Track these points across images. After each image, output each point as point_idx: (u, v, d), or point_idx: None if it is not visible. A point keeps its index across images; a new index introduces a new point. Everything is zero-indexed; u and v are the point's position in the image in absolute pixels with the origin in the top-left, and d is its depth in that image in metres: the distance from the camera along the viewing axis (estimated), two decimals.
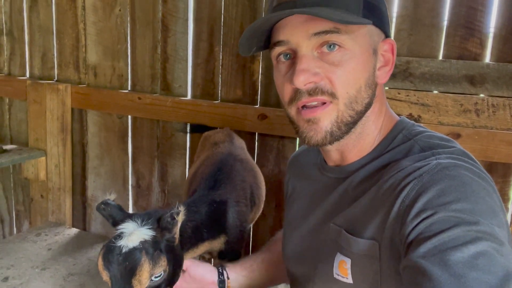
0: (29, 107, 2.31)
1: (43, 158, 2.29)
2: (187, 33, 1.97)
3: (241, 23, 1.85)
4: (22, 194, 2.54)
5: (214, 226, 1.09)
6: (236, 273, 1.03)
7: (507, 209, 1.53)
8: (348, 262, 0.75)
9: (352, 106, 0.74)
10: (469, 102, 1.51)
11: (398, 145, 0.78)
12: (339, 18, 0.67)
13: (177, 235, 0.84)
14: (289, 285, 1.02)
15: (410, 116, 1.57)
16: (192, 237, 0.99)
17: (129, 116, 2.16)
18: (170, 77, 2.04)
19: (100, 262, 0.77)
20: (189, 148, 2.05)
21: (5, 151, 2.17)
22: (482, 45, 1.49)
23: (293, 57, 0.76)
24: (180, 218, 0.80)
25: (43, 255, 1.77)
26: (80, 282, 1.58)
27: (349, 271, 0.74)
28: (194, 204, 1.07)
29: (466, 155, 0.72)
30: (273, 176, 1.87)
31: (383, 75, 0.79)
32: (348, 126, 0.75)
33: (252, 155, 1.86)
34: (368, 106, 0.77)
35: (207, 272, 0.99)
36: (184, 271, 0.95)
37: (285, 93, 0.77)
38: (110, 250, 0.76)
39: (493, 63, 1.48)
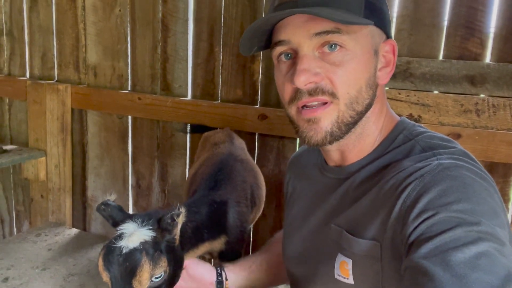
0: (29, 107, 2.31)
1: (43, 158, 2.28)
2: (187, 33, 1.97)
3: (241, 23, 1.85)
4: (22, 194, 2.54)
5: (215, 226, 1.09)
6: (235, 274, 1.03)
7: (507, 209, 1.53)
8: (349, 262, 0.74)
9: (352, 107, 0.74)
10: (470, 102, 1.51)
11: (399, 145, 0.78)
12: (340, 18, 0.67)
13: (177, 236, 0.84)
14: (289, 286, 1.02)
15: (410, 116, 1.57)
16: (193, 237, 0.99)
17: (129, 116, 2.16)
18: (170, 77, 2.03)
19: (101, 263, 0.77)
20: (189, 148, 2.04)
21: (5, 151, 2.17)
22: (482, 45, 1.49)
23: (294, 57, 0.76)
24: (181, 220, 0.80)
25: (43, 255, 1.77)
26: (80, 282, 1.57)
27: (350, 272, 0.74)
28: (194, 204, 1.07)
29: (467, 155, 0.72)
30: (274, 176, 1.87)
31: (384, 76, 0.78)
32: (348, 126, 0.75)
33: (252, 155, 1.86)
34: (368, 106, 0.77)
35: (206, 272, 0.99)
36: (183, 268, 0.95)
37: (286, 92, 0.77)
38: (110, 251, 0.76)
39: (494, 63, 1.48)
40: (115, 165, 2.24)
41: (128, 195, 2.24)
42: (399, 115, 0.86)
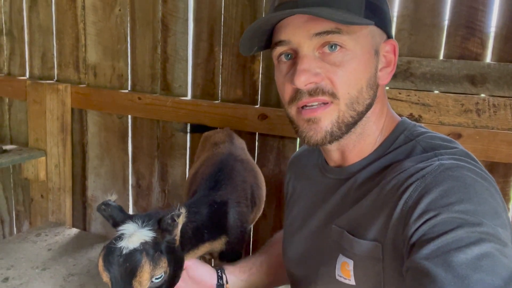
0: (29, 107, 2.30)
1: (43, 158, 2.28)
2: (187, 33, 1.96)
3: (241, 23, 1.84)
4: (22, 194, 2.53)
5: (215, 227, 1.09)
6: (235, 276, 1.02)
7: (508, 209, 1.53)
8: (350, 263, 0.74)
9: (353, 107, 0.74)
10: (470, 102, 1.50)
11: (400, 146, 0.78)
12: (340, 19, 0.67)
13: (177, 237, 0.84)
14: (289, 287, 1.02)
15: (411, 116, 1.57)
16: (193, 238, 0.98)
17: (129, 116, 2.15)
18: (170, 77, 2.03)
19: (101, 263, 0.77)
20: (189, 148, 2.04)
21: (5, 151, 2.17)
22: (483, 45, 1.49)
23: (294, 57, 0.75)
24: (181, 220, 0.80)
25: (43, 255, 1.77)
26: (80, 282, 1.57)
27: (352, 273, 0.74)
28: (194, 205, 1.07)
29: (468, 155, 0.71)
30: (274, 176, 1.87)
31: (384, 76, 0.78)
32: (348, 126, 0.75)
33: (253, 155, 1.85)
34: (369, 106, 0.77)
35: (206, 275, 0.98)
36: (184, 269, 0.94)
37: (286, 93, 0.77)
38: (110, 251, 0.76)
39: (494, 63, 1.48)
40: (115, 165, 2.24)
41: (128, 195, 2.24)
42: (400, 115, 0.86)
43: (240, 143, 1.55)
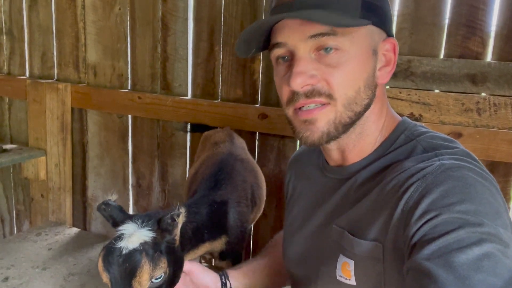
0: (29, 106, 2.30)
1: (43, 157, 2.28)
2: (187, 32, 1.96)
3: (242, 22, 1.84)
4: (23, 193, 2.53)
5: (215, 226, 1.09)
6: (238, 282, 1.01)
7: (509, 208, 1.53)
8: (351, 264, 0.74)
9: (351, 107, 0.74)
10: (471, 101, 1.50)
11: (401, 145, 0.78)
12: (331, 21, 0.67)
13: (177, 237, 0.83)
14: (290, 287, 1.02)
15: (411, 115, 1.57)
16: (193, 238, 0.98)
17: (129, 116, 2.15)
18: (170, 77, 2.03)
19: (100, 264, 0.77)
20: (190, 147, 2.04)
21: (5, 150, 2.17)
22: (483, 44, 1.49)
23: (291, 59, 0.75)
24: (181, 220, 0.80)
25: (43, 255, 1.77)
26: (81, 282, 1.57)
27: (352, 273, 0.74)
28: (194, 205, 1.07)
29: (469, 155, 0.71)
30: (274, 175, 1.87)
31: (384, 75, 0.78)
32: (345, 126, 0.75)
33: (253, 154, 1.85)
34: (367, 106, 0.76)
35: (210, 281, 0.97)
36: (185, 272, 0.94)
37: (283, 94, 0.77)
38: (110, 252, 0.76)
39: (495, 62, 1.48)
40: (115, 164, 2.24)
41: (128, 194, 2.24)
42: (400, 115, 0.86)
43: (240, 143, 1.54)
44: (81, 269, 1.66)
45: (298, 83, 0.71)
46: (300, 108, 0.75)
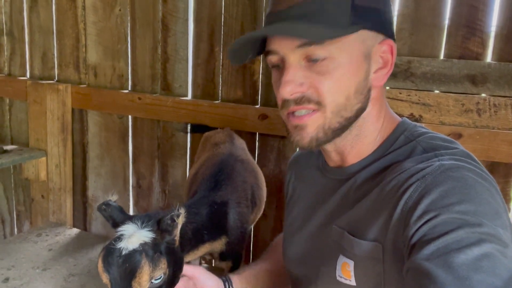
0: (30, 107, 2.30)
1: (44, 158, 2.28)
2: (187, 33, 1.96)
3: (242, 23, 1.84)
4: (23, 194, 2.54)
5: (215, 227, 1.09)
6: (241, 287, 1.01)
7: (509, 209, 1.53)
8: (351, 264, 0.74)
9: (340, 114, 0.74)
10: (471, 102, 1.50)
11: (400, 146, 0.78)
12: (312, 36, 0.68)
13: (177, 237, 0.83)
14: None
15: (411, 116, 1.57)
16: (193, 239, 0.98)
17: (130, 116, 2.15)
18: (170, 77, 2.03)
19: (100, 264, 0.77)
20: (190, 148, 2.04)
21: (6, 151, 2.17)
22: (483, 44, 1.49)
23: (283, 65, 0.76)
24: (181, 221, 0.80)
25: (43, 255, 1.77)
26: (81, 282, 1.57)
27: (352, 273, 0.74)
28: (194, 205, 1.07)
29: (469, 156, 0.71)
30: (274, 176, 1.87)
31: (380, 78, 0.77)
32: (335, 132, 0.76)
33: (253, 155, 1.85)
34: (360, 110, 0.76)
35: (213, 286, 0.95)
36: (188, 277, 0.93)
37: (278, 98, 0.79)
38: (110, 252, 0.76)
39: (495, 62, 1.48)
40: (116, 165, 2.24)
41: (128, 195, 2.24)
42: (400, 115, 0.86)
43: (241, 143, 1.54)
44: (81, 270, 1.66)
45: (287, 92, 0.73)
46: (293, 113, 0.76)
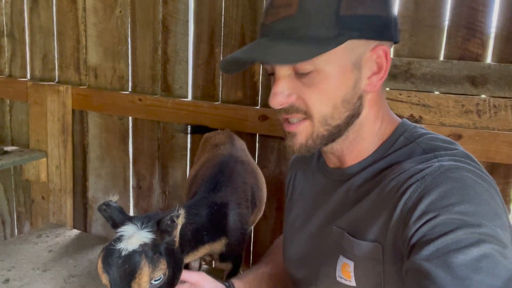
0: (30, 108, 2.31)
1: (44, 159, 2.28)
2: (187, 34, 1.97)
3: (242, 25, 1.84)
4: (23, 195, 2.54)
5: (215, 228, 1.09)
6: None
7: (509, 210, 1.53)
8: (351, 265, 0.74)
9: (327, 122, 0.76)
10: (471, 103, 1.50)
11: (400, 147, 0.78)
12: (288, 61, 0.69)
13: (177, 238, 0.83)
14: None
15: (411, 117, 1.57)
16: (192, 239, 0.98)
17: (130, 118, 2.16)
18: (170, 78, 2.03)
19: (100, 265, 0.77)
20: (190, 149, 2.04)
21: (6, 152, 2.17)
22: (483, 45, 1.49)
23: (274, 76, 0.78)
24: (180, 221, 0.80)
25: (44, 256, 1.77)
26: (81, 283, 1.57)
27: (352, 274, 0.74)
28: (194, 206, 1.07)
29: (468, 157, 0.71)
30: (274, 177, 1.87)
31: (374, 83, 0.76)
32: (325, 138, 0.78)
33: (253, 156, 1.85)
34: (350, 118, 0.77)
35: None
36: (191, 283, 0.93)
37: None
38: (109, 253, 0.76)
39: (495, 63, 1.48)
40: (116, 166, 2.24)
41: (128, 196, 2.24)
42: (400, 117, 0.86)
43: (241, 145, 1.55)
44: (81, 271, 1.66)
45: (276, 102, 0.75)
46: (287, 119, 0.78)
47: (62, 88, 2.21)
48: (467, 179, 0.64)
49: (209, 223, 1.06)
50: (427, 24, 1.54)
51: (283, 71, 0.75)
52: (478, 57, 1.49)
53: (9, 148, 2.26)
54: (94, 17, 2.17)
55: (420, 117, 1.56)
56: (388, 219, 0.68)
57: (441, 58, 1.54)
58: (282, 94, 0.75)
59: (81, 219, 2.39)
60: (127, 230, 0.79)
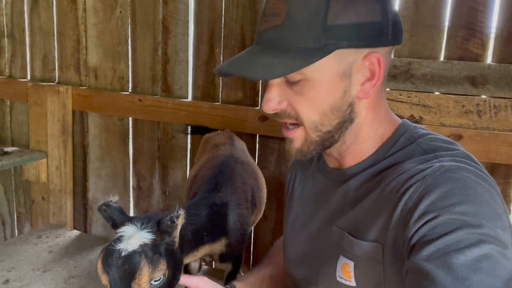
0: (30, 109, 2.31)
1: (44, 160, 2.28)
2: (187, 35, 1.97)
3: (242, 25, 1.85)
4: (23, 196, 2.54)
5: (215, 229, 1.09)
6: None
7: (509, 210, 1.52)
8: (351, 265, 0.74)
9: (318, 129, 0.77)
10: (471, 103, 1.50)
11: (401, 148, 0.77)
12: (272, 75, 0.70)
13: (177, 239, 0.83)
14: None
15: (411, 117, 1.57)
16: (192, 240, 0.98)
17: (130, 118, 2.16)
18: (170, 79, 2.03)
19: (100, 266, 0.77)
20: (190, 150, 2.04)
21: (6, 153, 2.17)
22: (483, 46, 1.49)
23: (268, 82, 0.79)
24: (180, 222, 0.80)
25: (44, 257, 1.77)
26: (81, 284, 1.57)
27: (352, 274, 0.74)
28: (194, 207, 1.07)
29: (469, 157, 0.71)
30: (274, 178, 1.87)
31: (366, 90, 0.75)
32: (318, 144, 0.79)
33: (253, 157, 1.85)
34: (341, 124, 0.77)
35: None
36: None
37: None
38: (109, 254, 0.76)
39: (495, 64, 1.48)
40: (116, 166, 2.24)
41: (129, 196, 2.24)
42: (401, 117, 0.86)
43: (241, 145, 1.55)
44: (81, 272, 1.66)
45: (268, 108, 0.77)
46: (286, 124, 0.81)
47: (62, 88, 2.21)
48: (467, 180, 0.64)
49: (209, 224, 1.06)
50: (427, 24, 1.54)
51: (275, 80, 0.76)
52: (478, 58, 1.49)
53: (9, 149, 2.26)
54: (94, 18, 2.17)
55: (420, 117, 1.56)
56: (388, 219, 0.68)
57: (441, 58, 1.54)
58: (273, 101, 0.77)
59: (81, 220, 2.38)
60: (127, 230, 0.79)
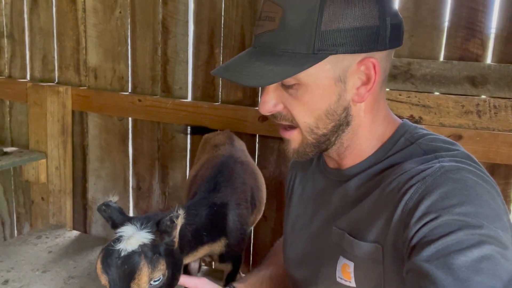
0: (30, 109, 2.31)
1: (44, 160, 2.28)
2: (187, 35, 1.97)
3: (242, 25, 1.84)
4: (23, 196, 2.53)
5: (214, 229, 1.09)
6: None
7: (509, 210, 1.52)
8: (351, 265, 0.74)
9: (313, 131, 0.77)
10: (471, 103, 1.50)
11: (401, 149, 0.77)
12: (262, 81, 0.70)
13: (176, 239, 0.83)
14: None
15: (411, 117, 1.57)
16: (192, 240, 0.98)
17: (130, 118, 2.16)
18: (170, 79, 2.03)
19: (99, 266, 0.77)
20: (190, 150, 2.04)
21: (6, 153, 2.17)
22: (483, 46, 1.49)
23: None
24: (180, 222, 0.80)
25: (43, 257, 1.77)
26: (81, 284, 1.57)
27: (352, 275, 0.74)
28: (194, 207, 1.07)
29: (469, 158, 0.71)
30: (274, 178, 1.87)
31: (362, 94, 0.75)
32: (314, 147, 0.79)
33: (253, 157, 1.85)
34: (337, 127, 0.77)
35: None
36: None
37: None
38: (109, 254, 0.76)
39: (495, 64, 1.48)
40: (116, 167, 2.24)
41: (128, 197, 2.24)
42: (400, 117, 0.86)
43: (241, 145, 1.55)
44: (81, 272, 1.66)
45: (265, 110, 0.78)
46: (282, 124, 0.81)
47: (62, 89, 2.21)
48: (468, 180, 0.64)
49: (208, 224, 1.06)
50: (427, 25, 1.54)
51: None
52: (478, 58, 1.49)
53: (8, 149, 2.26)
54: (94, 18, 2.17)
55: (420, 117, 1.56)
56: (388, 220, 0.68)
57: (441, 58, 1.54)
58: (269, 103, 0.77)
59: (81, 220, 2.38)
60: (127, 230, 0.79)
